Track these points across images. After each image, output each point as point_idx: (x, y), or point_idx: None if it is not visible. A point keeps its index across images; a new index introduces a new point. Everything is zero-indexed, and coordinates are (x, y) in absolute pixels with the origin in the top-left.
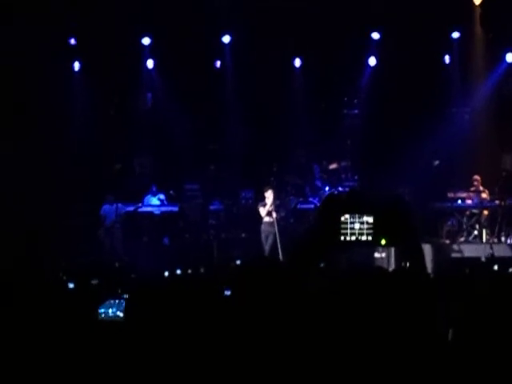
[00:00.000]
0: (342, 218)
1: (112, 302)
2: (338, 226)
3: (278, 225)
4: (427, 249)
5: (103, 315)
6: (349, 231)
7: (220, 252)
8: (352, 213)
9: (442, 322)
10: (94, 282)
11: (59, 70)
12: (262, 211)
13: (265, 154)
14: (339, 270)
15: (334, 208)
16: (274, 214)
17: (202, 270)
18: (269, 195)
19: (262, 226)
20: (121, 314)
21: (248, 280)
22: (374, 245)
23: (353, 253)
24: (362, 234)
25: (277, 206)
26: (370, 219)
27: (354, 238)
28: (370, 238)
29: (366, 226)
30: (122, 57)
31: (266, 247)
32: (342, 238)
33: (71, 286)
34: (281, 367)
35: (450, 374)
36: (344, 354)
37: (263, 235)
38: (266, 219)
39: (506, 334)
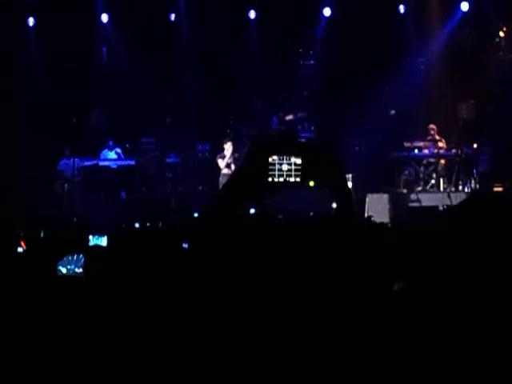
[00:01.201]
0: (270, 159)
1: (70, 258)
2: (265, 168)
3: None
4: (385, 198)
5: (62, 272)
6: (277, 172)
7: (178, 205)
8: (280, 154)
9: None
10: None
11: (13, 25)
12: (221, 163)
13: (221, 105)
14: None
15: (261, 149)
16: (233, 166)
17: (159, 224)
18: (228, 147)
19: (220, 179)
20: (79, 270)
21: (206, 232)
22: (302, 186)
23: (307, 202)
24: (290, 176)
25: (235, 158)
26: (299, 160)
27: (281, 179)
28: (298, 179)
29: (294, 167)
30: (76, 11)
31: None
32: (270, 179)
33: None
34: (237, 316)
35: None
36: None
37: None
38: (225, 171)
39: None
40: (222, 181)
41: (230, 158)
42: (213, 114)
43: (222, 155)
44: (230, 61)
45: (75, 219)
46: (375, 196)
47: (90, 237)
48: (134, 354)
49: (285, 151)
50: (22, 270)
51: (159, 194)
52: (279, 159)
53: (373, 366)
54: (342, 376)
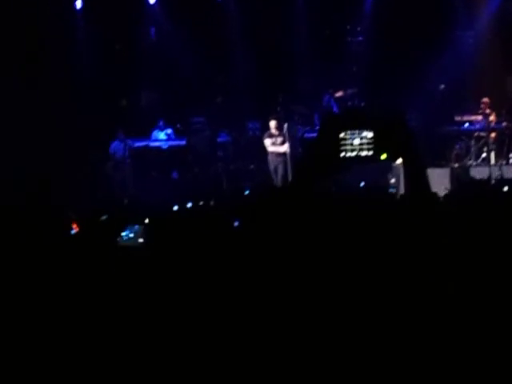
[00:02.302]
0: (342, 135)
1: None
2: (337, 143)
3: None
4: (439, 173)
5: (124, 239)
6: (349, 147)
7: (229, 184)
8: (351, 129)
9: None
10: (103, 218)
11: (61, 7)
12: (268, 142)
13: (270, 84)
14: (348, 191)
15: (332, 126)
16: (281, 144)
17: (212, 203)
18: (273, 125)
19: (269, 157)
20: (140, 240)
21: (257, 210)
22: (374, 160)
23: (363, 174)
24: (362, 150)
25: (283, 135)
26: (370, 134)
27: (354, 153)
28: (370, 152)
29: (365, 140)
30: None
31: (278, 178)
32: (343, 154)
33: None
34: (288, 297)
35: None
36: (348, 286)
37: (272, 167)
38: (272, 149)
39: None
40: (272, 159)
41: (276, 136)
42: (262, 92)
43: (268, 133)
44: (278, 39)
45: (126, 201)
46: (427, 171)
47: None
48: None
49: (356, 125)
50: (77, 250)
51: (211, 174)
52: (351, 134)
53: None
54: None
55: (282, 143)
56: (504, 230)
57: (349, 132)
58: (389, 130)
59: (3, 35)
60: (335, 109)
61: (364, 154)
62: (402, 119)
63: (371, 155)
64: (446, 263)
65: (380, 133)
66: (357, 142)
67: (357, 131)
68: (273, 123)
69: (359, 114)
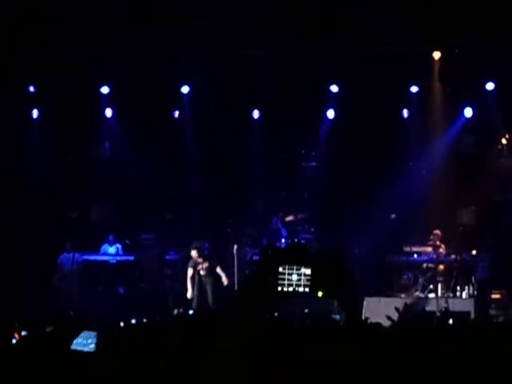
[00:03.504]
0: (280, 269)
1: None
2: (276, 276)
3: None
4: (382, 302)
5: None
6: (286, 282)
7: (175, 302)
8: (290, 264)
9: None
10: (49, 329)
11: (17, 117)
12: (189, 272)
13: (222, 204)
14: (293, 320)
15: (272, 258)
16: (205, 265)
17: (157, 320)
18: (194, 255)
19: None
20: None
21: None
22: (310, 296)
23: (308, 306)
24: (299, 286)
25: (203, 265)
26: (308, 271)
27: (291, 288)
28: (307, 289)
29: (303, 277)
30: (80, 105)
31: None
32: (280, 288)
33: (23, 333)
34: None
35: None
36: None
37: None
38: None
39: None
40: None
41: (201, 262)
42: (213, 212)
43: (192, 262)
44: (232, 160)
45: (72, 313)
46: (373, 300)
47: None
48: None
49: (295, 261)
50: (16, 359)
51: (157, 291)
52: (289, 269)
53: None
54: None
55: (208, 268)
56: (448, 362)
57: (287, 267)
58: (327, 268)
59: None
60: (283, 232)
61: (301, 289)
62: (341, 257)
63: (308, 291)
64: None
65: (318, 270)
66: (295, 277)
67: (295, 267)
68: (194, 253)
69: (299, 250)
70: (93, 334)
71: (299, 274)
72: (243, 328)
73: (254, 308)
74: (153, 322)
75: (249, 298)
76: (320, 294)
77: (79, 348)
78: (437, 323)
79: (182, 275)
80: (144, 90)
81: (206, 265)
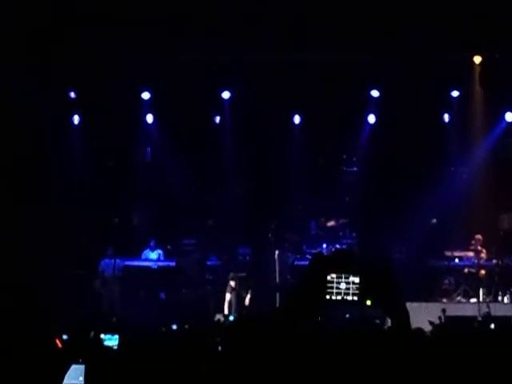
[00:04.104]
0: (328, 277)
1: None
2: (323, 285)
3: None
4: (423, 308)
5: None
6: (335, 290)
7: (216, 308)
8: (338, 272)
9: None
10: (92, 334)
11: (59, 123)
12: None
13: (263, 209)
14: (336, 325)
15: (320, 266)
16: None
17: (198, 326)
18: (234, 284)
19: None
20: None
21: (238, 336)
22: (359, 305)
23: (349, 310)
24: (347, 294)
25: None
26: (357, 279)
27: (339, 297)
28: (355, 298)
29: (352, 285)
30: (121, 111)
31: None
32: (328, 296)
33: (65, 337)
34: None
35: None
36: None
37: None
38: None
39: None
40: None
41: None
42: (254, 217)
43: (229, 289)
44: (272, 164)
45: (114, 319)
46: (414, 305)
47: (102, 335)
48: None
49: (343, 270)
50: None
51: (198, 296)
52: (337, 277)
53: None
54: None
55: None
56: (491, 367)
57: (335, 275)
58: (376, 277)
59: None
60: (324, 238)
61: (350, 298)
62: (391, 267)
63: (356, 300)
64: None
65: (367, 279)
66: (343, 286)
67: (343, 275)
68: (232, 283)
69: (348, 258)
70: (81, 367)
71: (348, 283)
72: (286, 334)
73: (301, 317)
74: (194, 328)
75: (296, 307)
76: (369, 302)
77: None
78: (478, 328)
79: (224, 281)
80: (184, 95)
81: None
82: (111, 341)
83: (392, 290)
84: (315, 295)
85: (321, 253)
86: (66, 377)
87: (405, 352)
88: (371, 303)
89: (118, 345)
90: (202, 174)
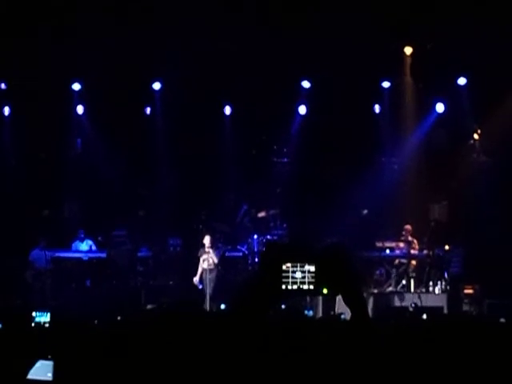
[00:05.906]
0: (284, 267)
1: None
2: (279, 275)
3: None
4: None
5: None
6: (290, 280)
7: (148, 299)
8: (293, 261)
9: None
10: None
11: None
12: (204, 259)
13: (194, 200)
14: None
15: (275, 256)
16: (210, 261)
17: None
18: (207, 241)
19: (204, 273)
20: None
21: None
22: (315, 294)
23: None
24: (303, 283)
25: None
26: (312, 268)
27: (295, 286)
28: (311, 286)
29: (307, 274)
30: (51, 102)
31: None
32: (284, 286)
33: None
34: None
35: None
36: None
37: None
38: (205, 265)
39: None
40: (210, 276)
41: (209, 252)
42: (185, 208)
43: (203, 250)
44: (203, 156)
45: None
46: None
47: (34, 313)
48: None
49: (298, 258)
50: None
51: (129, 288)
52: (293, 266)
53: None
54: None
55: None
56: (424, 358)
57: (290, 264)
58: (331, 265)
59: None
60: (253, 228)
61: (305, 287)
62: (346, 254)
63: (313, 289)
64: None
65: (322, 267)
66: (299, 275)
67: (299, 264)
68: (206, 239)
69: (302, 247)
70: (50, 363)
71: (303, 272)
72: (240, 326)
73: (257, 308)
74: (126, 319)
75: (252, 298)
76: (325, 290)
77: (35, 377)
78: (410, 318)
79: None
80: (115, 86)
81: (211, 260)
82: (42, 317)
83: (348, 277)
84: (271, 285)
85: (275, 242)
86: (34, 372)
87: (336, 342)
88: (328, 291)
89: (50, 322)
90: (133, 165)
